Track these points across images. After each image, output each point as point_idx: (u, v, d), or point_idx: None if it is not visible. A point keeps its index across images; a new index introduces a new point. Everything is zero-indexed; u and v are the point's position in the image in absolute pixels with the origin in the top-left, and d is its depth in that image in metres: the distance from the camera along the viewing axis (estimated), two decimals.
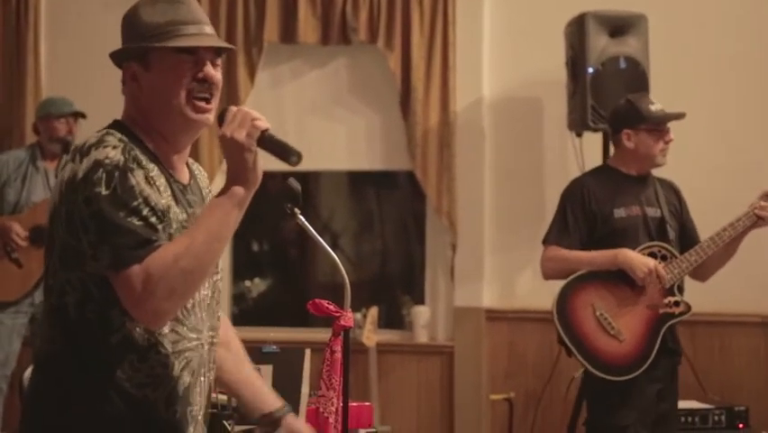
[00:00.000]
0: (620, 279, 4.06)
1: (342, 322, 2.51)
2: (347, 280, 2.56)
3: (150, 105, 2.23)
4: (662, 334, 4.04)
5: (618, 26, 5.14)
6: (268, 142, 2.17)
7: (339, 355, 2.49)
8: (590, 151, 5.23)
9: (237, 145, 2.12)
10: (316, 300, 2.53)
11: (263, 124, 2.15)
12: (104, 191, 2.06)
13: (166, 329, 2.16)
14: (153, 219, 2.09)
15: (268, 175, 2.24)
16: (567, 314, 4.08)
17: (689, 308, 4.10)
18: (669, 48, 5.35)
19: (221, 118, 2.19)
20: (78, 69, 6.05)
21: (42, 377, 2.22)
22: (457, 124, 5.67)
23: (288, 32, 5.84)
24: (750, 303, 5.35)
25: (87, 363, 2.14)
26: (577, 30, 5.15)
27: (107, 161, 2.08)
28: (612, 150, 4.41)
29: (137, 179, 2.10)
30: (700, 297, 4.26)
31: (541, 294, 5.52)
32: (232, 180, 2.13)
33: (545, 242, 4.23)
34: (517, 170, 5.68)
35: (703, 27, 5.54)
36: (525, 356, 5.59)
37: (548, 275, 4.24)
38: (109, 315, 2.12)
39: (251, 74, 5.85)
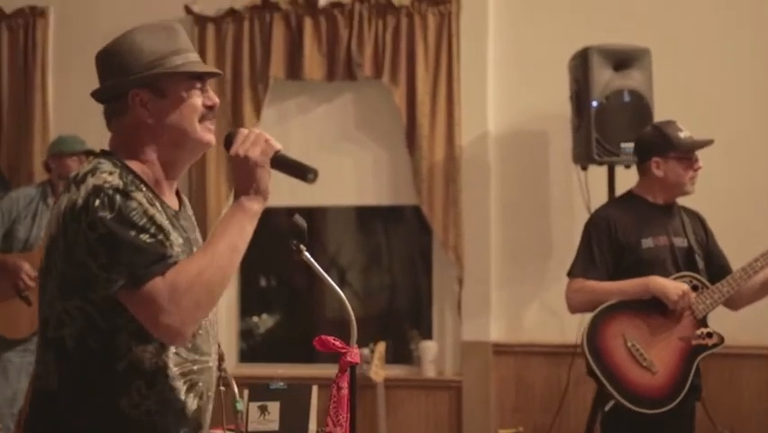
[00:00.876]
0: (651, 308, 3.97)
1: (349, 358, 2.50)
2: (353, 317, 2.56)
3: (162, 132, 2.25)
4: (695, 366, 3.95)
5: (622, 60, 5.16)
6: (282, 161, 2.22)
7: (345, 392, 2.49)
8: (596, 184, 5.24)
9: (251, 162, 2.19)
10: (322, 337, 2.53)
11: (276, 144, 2.21)
12: (108, 214, 2.08)
13: (172, 353, 2.16)
14: (161, 237, 2.12)
15: (273, 211, 2.26)
16: (597, 345, 3.96)
17: (722, 339, 4.00)
18: (672, 81, 5.37)
19: (228, 141, 2.23)
20: (86, 107, 6.02)
21: (40, 414, 2.20)
22: (462, 159, 5.69)
23: (294, 69, 5.88)
24: (760, 335, 5.33)
25: (89, 394, 2.13)
26: (581, 64, 5.18)
27: (107, 185, 2.11)
28: (627, 179, 4.38)
29: (139, 199, 2.13)
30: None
31: (548, 328, 5.55)
32: (244, 196, 2.19)
33: (571, 274, 4.13)
34: (523, 203, 5.69)
35: (706, 60, 5.56)
36: (534, 390, 5.57)
37: (575, 308, 4.15)
38: (115, 342, 2.12)
39: (257, 110, 5.88)
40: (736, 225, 5.03)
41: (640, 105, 5.09)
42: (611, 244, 4.06)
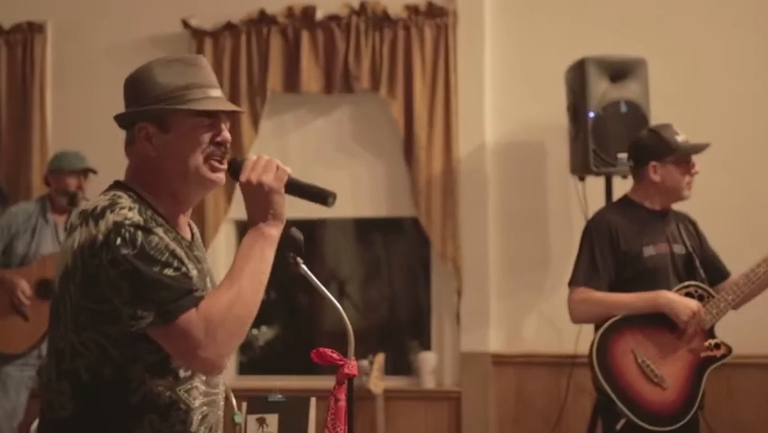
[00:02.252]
0: (657, 322, 3.87)
1: (347, 370, 2.51)
2: (350, 329, 2.57)
3: (165, 166, 2.25)
4: (705, 379, 3.89)
5: (618, 71, 5.18)
6: (296, 186, 2.25)
7: (343, 404, 2.49)
8: (593, 194, 5.25)
9: (267, 189, 2.20)
10: (320, 349, 2.53)
11: (287, 168, 2.23)
12: (131, 251, 2.09)
13: (186, 386, 2.17)
14: (185, 270, 2.13)
15: None
16: (608, 362, 3.84)
17: (729, 350, 3.94)
18: (669, 91, 5.39)
19: (233, 168, 2.24)
20: (84, 123, 6.10)
21: None
22: (460, 171, 5.71)
23: (292, 82, 5.90)
24: (757, 344, 5.33)
25: (103, 425, 2.13)
26: (577, 75, 5.19)
27: (128, 222, 2.11)
28: (613, 185, 4.37)
29: (159, 235, 2.13)
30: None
31: (547, 338, 5.55)
32: (262, 222, 2.20)
33: (572, 283, 4.00)
34: (521, 214, 5.70)
35: (703, 70, 5.58)
36: (533, 401, 5.57)
37: (578, 318, 4.05)
38: (128, 375, 2.13)
39: (255, 123, 5.89)
40: (735, 233, 5.04)
41: (637, 116, 5.10)
42: (614, 252, 3.95)
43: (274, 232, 2.22)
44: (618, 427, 3.97)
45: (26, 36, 6.24)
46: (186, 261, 2.16)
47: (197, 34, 6.00)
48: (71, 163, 5.34)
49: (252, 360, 6.40)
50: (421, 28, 5.76)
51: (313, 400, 3.06)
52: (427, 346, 5.89)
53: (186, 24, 6.01)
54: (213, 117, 2.27)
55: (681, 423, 3.83)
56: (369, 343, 5.91)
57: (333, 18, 5.85)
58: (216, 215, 5.88)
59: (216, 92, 2.30)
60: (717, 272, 4.09)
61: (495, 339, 5.68)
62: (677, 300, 3.87)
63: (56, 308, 2.19)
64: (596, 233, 4.01)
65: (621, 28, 5.62)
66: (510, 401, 5.61)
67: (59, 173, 5.36)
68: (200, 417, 2.21)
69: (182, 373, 2.18)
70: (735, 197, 5.45)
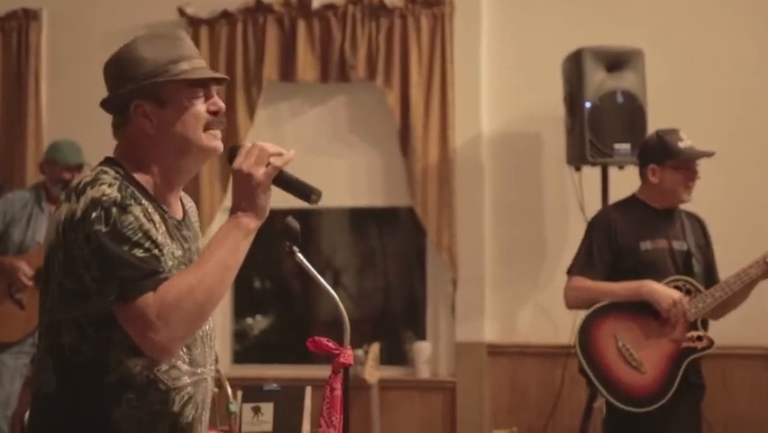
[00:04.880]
0: (643, 310, 4.02)
1: (342, 360, 2.51)
2: (346, 318, 2.57)
3: (165, 142, 2.23)
4: (683, 368, 4.00)
5: (615, 61, 5.17)
6: (284, 181, 2.21)
7: (339, 393, 2.49)
8: (589, 185, 5.25)
9: (254, 182, 2.17)
10: (316, 338, 2.53)
11: (280, 161, 2.19)
12: (103, 228, 2.07)
13: (165, 366, 2.16)
14: (156, 252, 2.11)
15: (269, 212, 2.26)
16: (589, 344, 4.04)
17: (711, 343, 4.05)
18: (666, 82, 5.38)
19: (231, 154, 2.22)
20: (79, 112, 6.07)
21: (39, 419, 2.21)
22: (456, 160, 5.70)
23: (288, 71, 5.89)
24: (753, 336, 5.34)
25: (83, 404, 2.13)
26: (574, 65, 5.19)
27: (104, 198, 2.09)
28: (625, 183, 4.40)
29: (135, 214, 2.11)
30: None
31: (542, 328, 5.55)
32: (241, 212, 2.17)
33: (570, 272, 4.20)
34: (517, 204, 5.69)
35: (700, 61, 5.57)
36: (528, 391, 5.58)
37: (571, 305, 4.21)
38: (106, 355, 2.12)
39: (251, 112, 5.88)
40: (731, 227, 5.04)
41: (633, 107, 5.10)
42: (610, 246, 4.11)
43: (251, 224, 2.18)
44: (595, 405, 4.28)
45: (21, 23, 6.22)
46: (161, 242, 2.14)
47: (193, 22, 5.99)
48: (66, 158, 5.32)
49: (248, 349, 6.40)
50: (417, 17, 5.75)
51: (308, 390, 3.06)
52: (422, 336, 5.89)
53: (182, 12, 5.99)
54: (206, 87, 2.27)
55: (654, 406, 3.95)
56: (364, 332, 5.92)
57: (330, 7, 5.83)
58: (212, 203, 5.87)
59: (202, 62, 2.30)
60: (710, 276, 4.17)
61: (490, 329, 5.69)
62: (659, 289, 4.00)
63: (45, 284, 2.19)
64: (595, 227, 4.21)
65: (618, 18, 5.62)
66: (505, 392, 5.62)
67: (53, 165, 5.34)
68: (185, 397, 2.20)
69: None
70: (731, 190, 5.45)
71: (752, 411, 5.34)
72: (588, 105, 5.09)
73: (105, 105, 2.30)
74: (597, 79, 5.13)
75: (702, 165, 5.29)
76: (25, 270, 5.15)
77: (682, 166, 4.09)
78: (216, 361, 2.44)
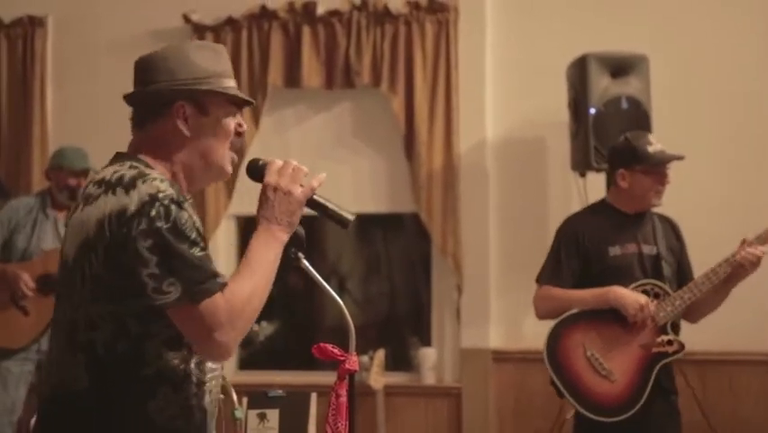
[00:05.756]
0: (612, 317, 3.97)
1: (347, 366, 2.50)
2: (351, 324, 2.57)
3: (195, 147, 2.26)
4: (654, 373, 3.95)
5: (620, 67, 5.18)
6: (318, 205, 2.33)
7: (344, 399, 2.49)
8: (594, 190, 5.23)
9: (293, 198, 2.25)
10: (321, 344, 2.53)
11: (317, 182, 2.30)
12: (164, 225, 2.08)
13: (196, 360, 2.19)
14: (208, 251, 2.15)
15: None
16: (557, 354, 4.01)
17: (682, 346, 3.99)
18: (670, 87, 5.39)
19: (254, 168, 2.28)
20: (85, 118, 6.10)
21: (71, 416, 2.17)
22: (461, 166, 5.70)
23: (292, 77, 5.89)
24: (759, 342, 5.34)
25: (120, 397, 2.13)
26: (579, 71, 5.19)
27: (161, 195, 2.10)
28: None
29: (189, 211, 2.14)
30: (709, 336, 4.23)
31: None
32: (276, 225, 2.23)
33: (538, 280, 4.17)
34: (522, 210, 5.69)
35: (704, 66, 5.57)
36: (533, 397, 5.57)
37: (541, 315, 4.18)
38: (144, 348, 2.13)
39: (256, 118, 5.89)
40: (733, 231, 5.02)
41: (638, 112, 5.10)
42: (578, 252, 4.07)
43: (285, 237, 2.25)
44: (568, 416, 4.22)
45: (27, 30, 6.24)
46: (205, 240, 2.18)
47: (198, 29, 6.00)
48: (72, 163, 5.31)
49: (253, 355, 6.40)
50: (422, 23, 5.76)
51: (313, 396, 3.06)
52: (428, 342, 5.89)
53: (187, 19, 6.00)
54: (239, 108, 2.32)
55: (627, 415, 3.91)
56: (369, 338, 5.92)
57: (335, 13, 5.84)
58: (217, 209, 5.88)
59: (236, 82, 2.35)
60: (685, 280, 4.11)
61: (495, 335, 5.68)
62: (626, 295, 3.96)
63: (69, 278, 2.17)
64: (562, 232, 4.17)
65: (622, 24, 5.62)
66: (510, 398, 5.61)
67: (59, 171, 5.33)
68: (208, 391, 2.24)
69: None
70: (734, 192, 5.45)
71: (757, 416, 5.34)
72: (592, 110, 5.09)
73: (138, 96, 2.30)
74: (601, 85, 5.13)
75: (706, 169, 5.29)
76: (26, 279, 5.14)
77: (652, 170, 4.03)
78: (222, 367, 2.45)
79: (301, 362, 6.05)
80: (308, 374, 5.76)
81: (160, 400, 2.14)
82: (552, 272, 4.11)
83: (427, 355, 5.77)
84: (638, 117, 5.07)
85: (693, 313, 4.11)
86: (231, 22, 5.96)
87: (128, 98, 2.32)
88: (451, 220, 5.67)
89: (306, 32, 5.87)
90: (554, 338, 4.03)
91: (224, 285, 2.11)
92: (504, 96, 5.76)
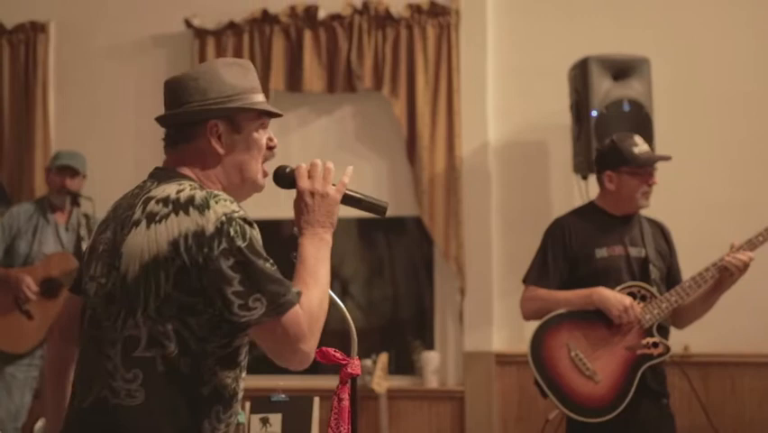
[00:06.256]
0: (597, 319, 3.97)
1: (350, 370, 2.51)
2: (353, 328, 2.57)
3: (229, 165, 2.31)
4: (639, 375, 3.93)
5: (621, 70, 5.18)
6: (353, 199, 2.43)
7: (346, 403, 2.49)
8: (596, 193, 5.23)
9: (330, 199, 2.35)
10: (323, 349, 2.53)
11: (347, 178, 2.40)
12: (243, 243, 2.12)
13: (241, 375, 2.26)
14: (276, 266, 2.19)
15: (275, 223, 2.30)
16: (542, 355, 4.00)
17: (667, 349, 3.98)
18: (672, 90, 5.39)
19: (281, 175, 2.36)
20: (86, 123, 6.10)
21: (113, 429, 2.16)
22: (463, 169, 5.70)
23: (294, 81, 5.90)
24: (762, 343, 5.33)
25: (176, 415, 2.14)
26: (580, 74, 5.19)
27: (236, 215, 2.15)
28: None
29: (256, 230, 2.19)
30: (712, 337, 4.22)
31: None
32: (322, 228, 2.32)
33: (525, 281, 4.16)
34: (524, 213, 5.69)
35: (705, 69, 5.58)
36: (537, 400, 5.51)
37: (527, 316, 4.16)
38: (201, 367, 2.16)
39: None
40: (733, 232, 5.02)
41: (640, 115, 5.11)
42: (565, 253, 4.08)
43: (330, 238, 2.33)
44: (551, 417, 4.19)
45: (29, 36, 6.25)
46: None
47: (200, 34, 6.01)
48: (59, 160, 5.36)
49: (255, 359, 6.37)
50: (424, 27, 5.76)
51: (316, 400, 3.06)
52: (430, 346, 5.89)
53: (188, 24, 6.01)
54: (268, 121, 2.37)
55: (609, 416, 3.90)
56: (372, 342, 5.92)
57: (336, 17, 5.85)
58: None
59: (263, 97, 2.40)
60: (674, 283, 4.09)
61: (498, 338, 5.68)
62: (610, 296, 3.95)
63: (130, 295, 2.16)
64: (550, 234, 4.18)
65: (624, 27, 5.63)
66: (513, 401, 5.61)
67: (48, 172, 5.43)
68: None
69: (242, 365, 2.26)
70: (736, 195, 5.45)
71: (760, 418, 5.33)
72: (594, 113, 5.09)
73: (171, 118, 2.32)
74: (603, 88, 5.13)
75: (707, 171, 5.29)
76: (29, 283, 5.16)
77: (638, 171, 4.03)
78: None
79: None
80: (311, 378, 5.76)
81: (213, 419, 2.18)
82: (538, 273, 4.12)
83: (430, 359, 5.77)
84: (640, 120, 5.07)
85: (680, 318, 4.12)
86: (232, 26, 5.97)
87: (161, 120, 2.35)
88: (453, 223, 5.68)
89: (308, 36, 5.88)
90: (539, 338, 4.03)
91: (300, 295, 2.17)
92: (505, 99, 5.76)
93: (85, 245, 5.15)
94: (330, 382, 2.86)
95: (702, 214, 5.31)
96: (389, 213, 6.63)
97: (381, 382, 5.49)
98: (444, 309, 5.85)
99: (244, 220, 2.16)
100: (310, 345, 2.16)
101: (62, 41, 6.27)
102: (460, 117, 5.71)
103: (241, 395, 2.27)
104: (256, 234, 2.17)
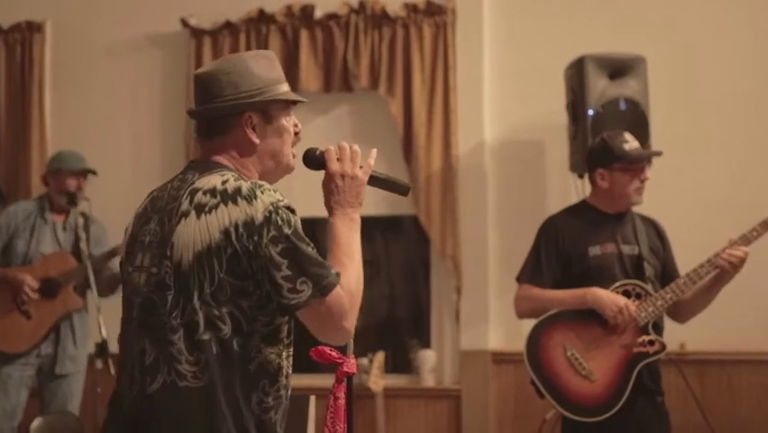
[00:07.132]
0: (593, 318, 3.97)
1: (346, 368, 2.52)
2: None
3: (263, 154, 2.44)
4: (635, 374, 3.94)
5: (618, 68, 5.18)
6: (378, 179, 2.57)
7: (342, 402, 2.50)
8: None
9: (360, 181, 2.50)
10: (319, 347, 2.54)
11: (372, 160, 2.52)
12: (290, 231, 2.27)
13: (286, 354, 2.36)
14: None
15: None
16: (538, 354, 4.00)
17: (663, 347, 3.98)
18: (668, 89, 5.40)
19: (312, 157, 2.49)
20: (83, 121, 6.10)
21: (183, 410, 2.26)
22: (459, 168, 5.71)
23: (291, 80, 5.79)
24: (758, 341, 5.34)
25: (231, 392, 2.26)
26: (577, 73, 5.20)
27: (281, 204, 2.30)
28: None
29: (297, 216, 2.33)
30: (708, 335, 4.22)
31: None
32: (351, 209, 2.48)
33: (519, 280, 4.17)
34: (520, 212, 5.69)
35: (701, 67, 5.58)
36: (533, 398, 5.52)
37: (521, 314, 4.18)
38: (250, 345, 2.28)
39: None
40: (731, 230, 5.03)
41: (636, 114, 5.11)
42: (558, 252, 4.08)
43: (359, 218, 2.48)
44: (548, 416, 4.25)
45: (25, 36, 6.25)
46: None
47: (196, 33, 6.01)
48: (71, 164, 5.32)
49: None
50: (420, 26, 5.77)
51: (312, 399, 3.07)
52: (427, 344, 5.90)
53: (185, 23, 6.01)
54: (293, 109, 2.49)
55: (606, 415, 3.90)
56: (368, 341, 5.92)
57: (332, 17, 5.85)
58: None
59: (288, 86, 2.52)
60: (669, 280, 4.09)
61: (495, 337, 5.69)
62: (604, 296, 3.95)
63: (185, 282, 2.27)
64: (543, 232, 4.19)
65: (620, 26, 5.63)
66: (510, 399, 5.62)
67: (58, 174, 5.34)
68: (289, 383, 2.40)
69: (286, 342, 2.37)
70: (733, 194, 5.45)
71: (756, 416, 5.34)
72: (590, 112, 5.10)
73: (204, 113, 2.43)
74: (599, 87, 5.13)
75: (704, 169, 5.29)
76: (29, 282, 5.15)
77: (630, 168, 4.03)
78: None
79: (300, 364, 6.03)
80: (307, 377, 5.75)
81: (260, 392, 2.30)
82: (532, 272, 4.13)
83: (427, 357, 5.78)
84: (636, 119, 5.07)
85: (681, 313, 4.12)
86: (229, 26, 5.97)
87: (194, 114, 2.46)
88: (449, 222, 5.68)
89: (304, 35, 5.88)
90: (535, 338, 4.03)
91: (338, 276, 2.29)
92: (502, 98, 5.77)
93: (83, 245, 5.18)
94: (326, 380, 2.86)
95: (699, 212, 5.32)
96: (386, 212, 6.64)
97: (378, 380, 5.49)
98: (441, 308, 5.85)
99: (288, 208, 2.29)
100: (351, 322, 2.30)
101: (58, 40, 6.27)
102: (456, 116, 5.71)
103: (289, 371, 2.37)
104: (298, 220, 2.30)
